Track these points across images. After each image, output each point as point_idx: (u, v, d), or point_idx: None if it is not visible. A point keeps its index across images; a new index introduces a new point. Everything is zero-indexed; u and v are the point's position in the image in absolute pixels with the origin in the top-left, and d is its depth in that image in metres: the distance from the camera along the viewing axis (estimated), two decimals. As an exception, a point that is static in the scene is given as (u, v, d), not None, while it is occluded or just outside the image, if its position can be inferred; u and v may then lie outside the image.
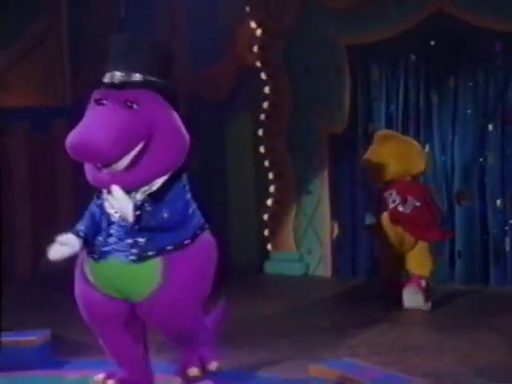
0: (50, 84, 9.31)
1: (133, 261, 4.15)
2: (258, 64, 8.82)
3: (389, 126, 8.66)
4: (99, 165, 4.02)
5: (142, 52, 4.18)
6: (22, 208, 9.02)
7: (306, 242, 8.87)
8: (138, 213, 4.01)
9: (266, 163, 8.84)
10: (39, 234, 8.70)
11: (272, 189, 8.83)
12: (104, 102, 4.04)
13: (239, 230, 9.19)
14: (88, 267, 4.26)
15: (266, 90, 8.77)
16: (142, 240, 4.14)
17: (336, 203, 8.83)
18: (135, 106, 4.05)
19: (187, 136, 4.29)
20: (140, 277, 4.20)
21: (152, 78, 4.16)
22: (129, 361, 4.55)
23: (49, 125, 9.07)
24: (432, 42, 8.44)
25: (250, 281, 8.48)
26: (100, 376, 4.52)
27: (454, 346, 6.07)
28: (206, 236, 4.44)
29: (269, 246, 8.93)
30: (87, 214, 4.32)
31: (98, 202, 4.25)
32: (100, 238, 4.22)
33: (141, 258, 4.15)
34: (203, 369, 4.59)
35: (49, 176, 9.28)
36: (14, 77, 9.06)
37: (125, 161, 3.99)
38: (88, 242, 4.19)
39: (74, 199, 9.03)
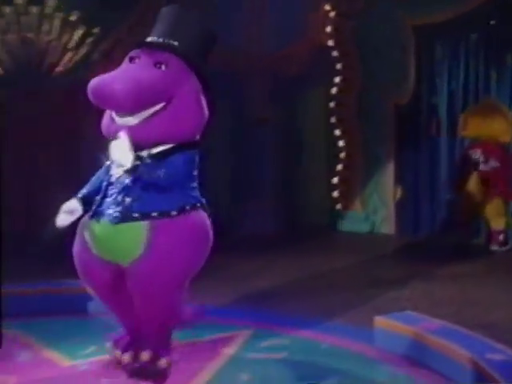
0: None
1: (116, 219, 3.83)
2: (331, 43, 8.74)
3: (450, 100, 8.55)
4: (114, 115, 3.83)
5: (182, 23, 4.02)
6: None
7: (372, 203, 8.77)
8: (137, 163, 3.76)
9: (337, 132, 8.75)
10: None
11: (342, 155, 8.71)
12: (136, 60, 3.88)
13: (313, 192, 9.06)
14: (85, 228, 4.00)
15: (338, 66, 8.74)
16: (128, 199, 3.83)
17: (400, 168, 8.65)
18: (163, 68, 3.86)
19: (205, 112, 4.06)
20: (125, 239, 3.86)
21: (185, 48, 3.96)
22: (129, 323, 4.28)
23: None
24: (492, 22, 8.14)
25: (321, 237, 8.41)
26: (108, 344, 4.31)
27: (512, 299, 5.87)
28: (197, 215, 4.11)
29: (338, 206, 8.76)
30: (94, 176, 4.11)
31: (107, 163, 4.00)
32: (97, 198, 3.96)
33: (124, 218, 3.82)
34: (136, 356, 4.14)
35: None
36: (120, 56, 8.96)
37: (139, 116, 3.76)
38: (89, 204, 3.98)
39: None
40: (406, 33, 8.46)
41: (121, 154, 3.72)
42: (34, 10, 8.62)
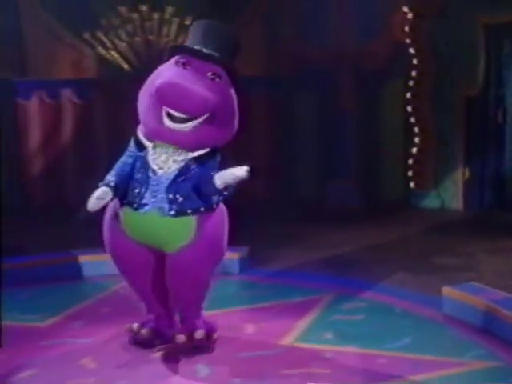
0: (249, 60, 9.15)
1: (172, 215, 3.70)
2: (408, 41, 8.54)
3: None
4: (166, 119, 3.56)
5: (223, 37, 3.74)
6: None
7: (442, 182, 8.61)
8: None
9: (412, 120, 8.60)
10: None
11: (416, 140, 8.57)
12: (188, 67, 3.59)
13: (390, 172, 8.93)
14: (123, 216, 3.83)
15: (414, 61, 8.54)
16: (180, 198, 3.69)
17: (468, 152, 8.47)
18: (217, 80, 3.64)
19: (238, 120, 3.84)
20: (175, 231, 3.76)
21: (228, 61, 3.73)
22: (156, 308, 4.13)
23: (251, 91, 9.06)
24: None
25: (397, 212, 8.30)
26: (134, 325, 4.11)
27: None
28: (222, 206, 3.99)
29: (412, 185, 8.63)
30: (119, 164, 3.85)
31: (139, 154, 3.77)
32: (137, 190, 3.74)
33: (179, 214, 3.70)
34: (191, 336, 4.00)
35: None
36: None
37: (191, 124, 3.56)
38: (118, 192, 3.75)
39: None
40: (477, 31, 8.18)
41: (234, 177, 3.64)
42: (156, 16, 8.77)
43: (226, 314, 4.81)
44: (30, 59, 8.73)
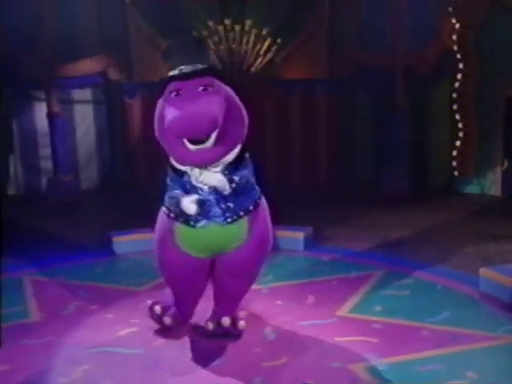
0: (314, 64, 9.03)
1: (229, 223, 3.49)
2: (455, 47, 8.17)
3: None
4: (189, 144, 3.22)
5: (193, 48, 3.36)
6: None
7: (483, 170, 8.24)
8: (233, 185, 3.39)
9: (457, 116, 8.27)
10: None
11: (461, 134, 8.25)
12: (181, 92, 3.20)
13: (437, 161, 8.65)
14: (179, 232, 3.57)
15: (460, 65, 8.17)
16: (231, 205, 3.47)
17: (506, 145, 8.08)
18: (210, 89, 3.23)
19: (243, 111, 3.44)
20: (233, 235, 3.56)
21: (212, 66, 3.38)
22: (185, 307, 3.92)
23: (315, 92, 8.94)
24: None
25: (442, 197, 8.01)
26: (157, 307, 3.90)
27: None
28: (263, 199, 3.75)
29: (456, 173, 8.32)
30: (172, 191, 3.52)
31: (183, 180, 3.45)
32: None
33: (234, 219, 3.51)
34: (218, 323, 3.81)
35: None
36: (293, 60, 8.92)
37: (212, 138, 3.22)
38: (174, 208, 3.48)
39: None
40: (516, 38, 7.82)
41: (219, 187, 3.38)
42: (237, 28, 8.71)
43: (292, 286, 4.79)
44: (134, 65, 8.84)
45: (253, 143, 8.55)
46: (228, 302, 3.85)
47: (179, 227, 3.56)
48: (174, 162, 3.49)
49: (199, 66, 3.29)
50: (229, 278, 3.75)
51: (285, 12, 8.81)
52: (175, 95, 3.23)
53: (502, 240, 5.92)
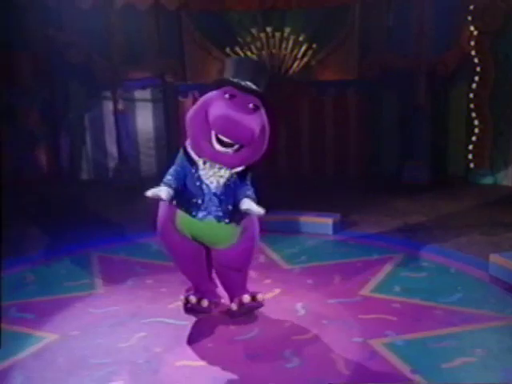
0: (346, 67, 8.83)
1: (226, 223, 3.42)
2: (473, 52, 7.85)
3: None
4: (216, 143, 3.20)
5: (261, 72, 3.37)
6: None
7: (496, 163, 7.94)
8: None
9: (473, 114, 7.98)
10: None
11: (476, 130, 7.96)
12: (234, 98, 3.20)
13: (454, 155, 8.33)
14: (180, 219, 3.47)
15: (478, 69, 7.84)
16: (230, 207, 3.40)
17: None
18: (257, 111, 3.25)
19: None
20: (228, 234, 3.49)
21: (265, 93, 3.33)
22: (201, 286, 3.78)
23: (346, 92, 8.74)
24: None
25: (458, 187, 7.71)
26: (192, 297, 3.73)
27: None
28: None
29: (472, 165, 8.05)
30: (174, 171, 3.40)
31: (190, 168, 3.36)
32: (194, 201, 3.38)
33: (232, 221, 3.43)
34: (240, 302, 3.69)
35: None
36: (327, 63, 8.73)
37: (234, 148, 3.23)
38: (174, 193, 3.32)
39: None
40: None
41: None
42: (277, 35, 8.58)
43: (321, 267, 4.73)
44: (188, 68, 8.81)
45: (290, 138, 8.39)
46: (234, 285, 3.75)
47: (180, 214, 3.46)
48: (190, 151, 3.40)
49: (257, 87, 3.27)
50: (222, 269, 3.69)
51: (320, 20, 8.64)
52: (229, 98, 3.22)
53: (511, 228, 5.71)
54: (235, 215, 3.44)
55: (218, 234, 3.50)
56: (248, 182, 3.47)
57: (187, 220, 3.46)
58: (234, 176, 3.41)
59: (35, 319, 3.83)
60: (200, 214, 3.41)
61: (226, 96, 3.23)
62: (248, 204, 3.32)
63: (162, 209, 3.58)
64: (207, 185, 3.37)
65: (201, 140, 3.27)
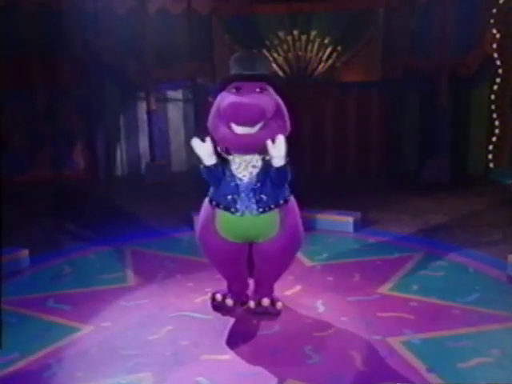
0: (369, 68, 8.70)
1: (261, 212, 3.29)
2: (495, 55, 7.65)
3: None
4: (236, 127, 3.11)
5: (258, 59, 3.38)
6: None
7: (516, 163, 7.72)
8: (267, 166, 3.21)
9: (494, 115, 7.79)
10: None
11: (497, 131, 7.76)
12: (240, 90, 3.15)
13: (475, 154, 8.15)
14: (220, 219, 3.38)
15: (499, 71, 7.64)
16: (264, 197, 3.27)
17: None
18: (265, 92, 3.19)
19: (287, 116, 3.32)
20: (266, 225, 3.36)
21: (270, 75, 3.37)
22: (235, 287, 3.71)
23: (369, 93, 8.62)
24: None
25: (478, 186, 7.50)
26: (218, 295, 3.66)
27: None
28: (292, 198, 3.50)
29: (491, 165, 7.86)
30: (216, 164, 3.29)
31: (227, 170, 3.27)
32: (230, 197, 3.30)
33: (265, 210, 3.30)
34: (259, 303, 3.58)
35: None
36: (351, 65, 8.61)
37: (256, 127, 3.12)
38: (215, 194, 3.35)
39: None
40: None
41: (280, 151, 3.12)
42: (303, 37, 8.51)
43: (341, 264, 4.67)
44: (217, 70, 8.80)
45: (314, 137, 8.29)
46: (265, 284, 3.66)
47: (220, 214, 3.38)
48: (220, 150, 3.34)
49: (259, 72, 3.27)
50: (263, 264, 3.56)
51: (345, 24, 8.53)
52: (235, 91, 3.19)
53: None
54: (268, 204, 3.32)
55: (257, 226, 3.37)
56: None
57: (227, 218, 3.37)
58: (267, 164, 3.26)
59: (71, 310, 3.88)
60: (239, 210, 3.32)
61: (233, 90, 3.20)
62: (275, 145, 3.13)
63: (203, 211, 3.53)
64: (241, 179, 3.29)
65: (221, 131, 3.21)
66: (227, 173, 3.30)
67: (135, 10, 8.22)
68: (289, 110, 3.35)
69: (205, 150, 3.21)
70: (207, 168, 3.26)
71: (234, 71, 3.33)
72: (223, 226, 3.40)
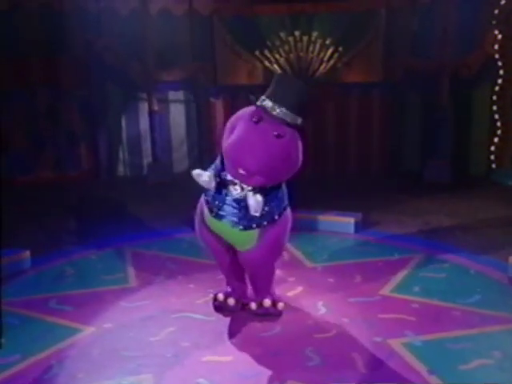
0: (371, 69, 8.68)
1: (240, 230, 3.30)
2: (497, 56, 7.64)
3: None
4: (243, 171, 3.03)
5: (298, 96, 3.02)
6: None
7: (518, 164, 7.70)
8: (265, 209, 3.20)
9: (496, 116, 7.78)
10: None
11: (498, 132, 7.76)
12: (260, 123, 3.00)
13: (476, 154, 8.11)
14: (207, 215, 3.41)
15: (501, 72, 7.63)
16: (249, 215, 3.21)
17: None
18: (281, 138, 2.99)
19: (300, 161, 3.17)
20: (242, 239, 3.37)
21: (299, 121, 3.06)
22: (233, 282, 3.72)
23: (371, 93, 8.61)
24: None
25: (480, 186, 7.46)
26: (220, 295, 3.69)
27: None
28: (287, 212, 3.45)
29: (493, 165, 7.85)
30: (216, 164, 3.31)
31: (223, 174, 3.25)
32: (217, 203, 3.30)
33: (246, 229, 3.30)
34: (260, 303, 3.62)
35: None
36: (353, 65, 8.60)
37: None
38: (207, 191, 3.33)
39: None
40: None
41: (256, 210, 3.13)
42: (305, 38, 8.50)
43: (342, 265, 4.67)
44: (219, 71, 8.80)
45: (315, 138, 8.25)
46: (258, 286, 3.66)
47: (208, 216, 3.40)
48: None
49: (290, 116, 3.02)
50: (247, 269, 3.58)
51: (346, 24, 8.52)
52: (255, 122, 3.02)
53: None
54: (252, 223, 3.30)
55: (234, 237, 3.41)
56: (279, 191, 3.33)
57: (211, 219, 3.39)
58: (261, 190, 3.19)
59: (72, 311, 3.88)
60: (219, 216, 3.32)
61: (254, 119, 3.03)
62: (251, 199, 3.14)
63: (199, 206, 3.52)
64: (230, 190, 3.25)
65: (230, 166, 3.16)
66: (222, 177, 3.26)
67: (137, 10, 8.21)
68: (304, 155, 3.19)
69: (205, 180, 3.19)
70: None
71: (269, 92, 3.07)
72: (209, 222, 3.41)
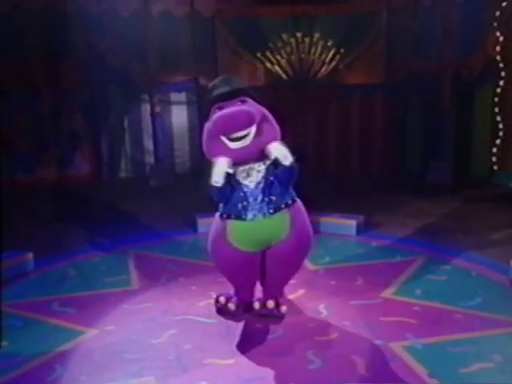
0: (372, 71, 8.71)
1: (272, 213, 3.29)
2: (498, 57, 7.60)
3: None
4: (228, 142, 3.15)
5: (232, 80, 3.37)
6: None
7: (520, 166, 7.67)
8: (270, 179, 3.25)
9: (498, 118, 7.73)
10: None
11: (501, 133, 7.71)
12: (223, 108, 3.20)
13: (478, 156, 8.14)
14: (232, 229, 3.35)
15: (502, 73, 7.59)
16: (273, 198, 3.27)
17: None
18: (246, 103, 3.22)
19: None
20: (278, 226, 3.33)
21: (245, 88, 3.37)
22: (243, 294, 3.60)
23: (372, 95, 8.63)
24: None
25: (482, 188, 7.50)
26: (221, 298, 3.55)
27: None
28: (299, 200, 3.47)
29: (495, 167, 7.84)
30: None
31: (232, 180, 3.26)
32: (240, 205, 3.29)
33: (276, 210, 3.29)
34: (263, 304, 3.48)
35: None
36: (354, 67, 8.62)
37: (250, 136, 3.14)
38: (225, 206, 3.34)
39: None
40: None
41: (285, 155, 3.16)
42: (306, 40, 8.52)
43: (344, 268, 4.68)
44: (220, 72, 8.81)
45: (317, 140, 8.27)
46: (273, 287, 3.62)
47: (232, 224, 3.36)
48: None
49: (235, 87, 3.30)
50: (274, 267, 3.53)
51: (348, 26, 8.54)
52: (219, 110, 3.21)
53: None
54: (278, 204, 3.32)
55: (269, 228, 3.35)
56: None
57: (240, 226, 3.34)
58: (271, 168, 3.27)
59: (75, 313, 3.90)
60: (249, 215, 3.31)
61: (217, 110, 3.22)
62: (275, 149, 3.19)
63: (213, 227, 3.49)
64: (247, 186, 3.29)
65: (217, 151, 3.23)
66: (234, 183, 3.29)
67: (139, 12, 8.25)
68: (274, 117, 3.34)
69: (221, 168, 3.20)
70: (216, 187, 3.24)
71: (212, 96, 3.33)
72: (236, 235, 3.37)
